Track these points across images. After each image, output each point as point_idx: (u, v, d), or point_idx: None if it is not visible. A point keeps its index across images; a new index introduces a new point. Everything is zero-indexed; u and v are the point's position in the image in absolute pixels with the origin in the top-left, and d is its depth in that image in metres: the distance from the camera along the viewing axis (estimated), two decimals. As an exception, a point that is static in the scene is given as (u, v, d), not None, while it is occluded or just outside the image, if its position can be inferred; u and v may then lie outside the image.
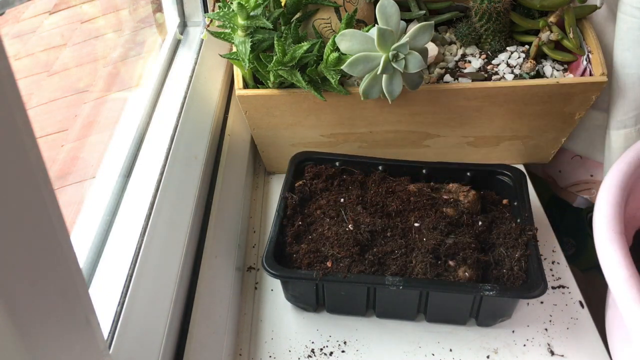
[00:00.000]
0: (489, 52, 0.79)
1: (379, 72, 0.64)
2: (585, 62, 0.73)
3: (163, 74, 0.77)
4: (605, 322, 0.61)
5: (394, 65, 0.63)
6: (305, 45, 0.66)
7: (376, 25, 0.62)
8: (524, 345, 0.62)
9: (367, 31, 0.65)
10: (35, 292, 0.29)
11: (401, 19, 0.65)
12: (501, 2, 0.74)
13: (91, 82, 0.86)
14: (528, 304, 0.66)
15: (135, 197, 0.58)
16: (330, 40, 0.65)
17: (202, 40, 0.83)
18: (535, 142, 0.80)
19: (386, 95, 0.66)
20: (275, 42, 0.65)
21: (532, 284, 0.57)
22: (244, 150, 0.82)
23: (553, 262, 0.71)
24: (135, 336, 0.48)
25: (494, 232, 0.64)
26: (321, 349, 0.62)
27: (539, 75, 0.76)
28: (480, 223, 0.64)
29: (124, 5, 0.98)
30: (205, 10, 0.87)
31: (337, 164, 0.72)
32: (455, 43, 0.82)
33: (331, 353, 0.62)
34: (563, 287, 0.68)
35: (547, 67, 0.77)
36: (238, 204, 0.75)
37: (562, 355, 0.61)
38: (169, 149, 0.64)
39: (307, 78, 0.68)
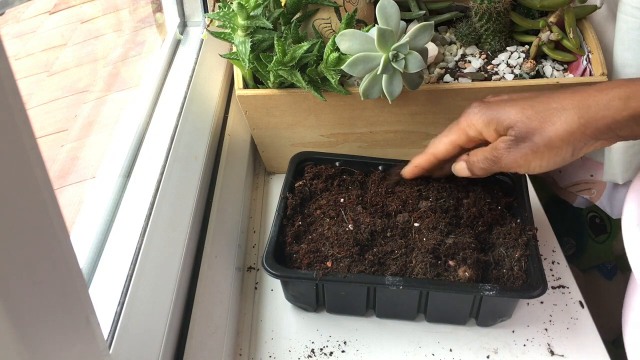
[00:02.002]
0: (489, 52, 0.79)
1: (379, 72, 0.64)
2: (585, 62, 0.73)
3: (163, 74, 0.77)
4: (624, 325, 0.60)
5: (394, 65, 0.63)
6: (305, 45, 0.66)
7: (376, 25, 0.62)
8: (524, 345, 0.62)
9: (367, 31, 0.65)
10: (35, 292, 0.29)
11: (401, 19, 0.65)
12: (501, 2, 0.74)
13: (91, 82, 0.87)
14: (528, 304, 0.66)
15: (135, 197, 0.58)
16: (330, 40, 0.65)
17: (202, 40, 0.83)
18: (535, 142, 0.79)
19: (386, 95, 0.66)
20: (275, 42, 0.65)
21: (532, 284, 0.57)
22: (244, 150, 0.82)
23: (553, 262, 0.71)
24: (135, 336, 0.48)
25: (494, 232, 0.64)
26: (321, 349, 0.62)
27: (539, 75, 0.76)
28: (480, 223, 0.64)
29: (124, 5, 0.98)
30: (205, 10, 0.87)
31: (337, 164, 0.72)
32: (455, 43, 0.82)
33: (331, 353, 0.62)
34: (563, 287, 0.68)
35: (547, 67, 0.77)
36: (238, 204, 0.75)
37: (562, 355, 0.61)
38: (169, 149, 0.64)
39: (307, 78, 0.68)
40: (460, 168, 0.61)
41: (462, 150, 0.61)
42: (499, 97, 0.57)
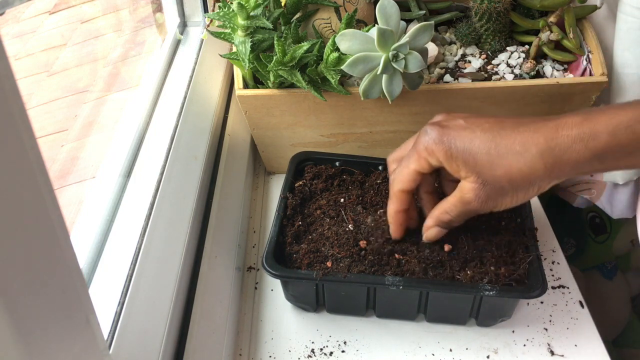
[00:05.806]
0: (489, 52, 0.79)
1: (379, 72, 0.64)
2: (585, 62, 0.73)
3: (163, 74, 0.77)
4: None
5: (394, 65, 0.63)
6: (305, 45, 0.66)
7: (376, 25, 0.62)
8: (524, 345, 0.62)
9: (367, 31, 0.65)
10: (35, 292, 0.29)
11: (401, 19, 0.65)
12: (501, 2, 0.74)
13: (91, 82, 0.87)
14: (528, 304, 0.66)
15: (135, 197, 0.58)
16: (330, 40, 0.65)
17: (202, 40, 0.83)
18: (535, 142, 0.79)
19: (386, 95, 0.66)
20: (275, 42, 0.65)
21: (532, 284, 0.57)
22: (244, 150, 0.82)
23: (553, 262, 0.71)
24: (135, 336, 0.48)
25: (494, 232, 0.64)
26: (321, 349, 0.62)
27: (539, 75, 0.76)
28: (480, 224, 0.64)
29: (124, 5, 0.98)
30: (205, 10, 0.87)
31: (337, 164, 0.72)
32: (455, 43, 0.82)
33: (331, 353, 0.62)
34: (563, 287, 0.68)
35: (547, 67, 0.77)
36: (238, 204, 0.75)
37: (562, 355, 0.61)
38: (169, 149, 0.64)
39: (307, 78, 0.68)
40: (432, 233, 0.59)
41: (429, 177, 0.59)
42: (455, 121, 0.55)
